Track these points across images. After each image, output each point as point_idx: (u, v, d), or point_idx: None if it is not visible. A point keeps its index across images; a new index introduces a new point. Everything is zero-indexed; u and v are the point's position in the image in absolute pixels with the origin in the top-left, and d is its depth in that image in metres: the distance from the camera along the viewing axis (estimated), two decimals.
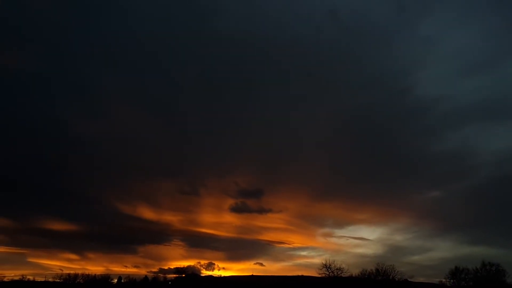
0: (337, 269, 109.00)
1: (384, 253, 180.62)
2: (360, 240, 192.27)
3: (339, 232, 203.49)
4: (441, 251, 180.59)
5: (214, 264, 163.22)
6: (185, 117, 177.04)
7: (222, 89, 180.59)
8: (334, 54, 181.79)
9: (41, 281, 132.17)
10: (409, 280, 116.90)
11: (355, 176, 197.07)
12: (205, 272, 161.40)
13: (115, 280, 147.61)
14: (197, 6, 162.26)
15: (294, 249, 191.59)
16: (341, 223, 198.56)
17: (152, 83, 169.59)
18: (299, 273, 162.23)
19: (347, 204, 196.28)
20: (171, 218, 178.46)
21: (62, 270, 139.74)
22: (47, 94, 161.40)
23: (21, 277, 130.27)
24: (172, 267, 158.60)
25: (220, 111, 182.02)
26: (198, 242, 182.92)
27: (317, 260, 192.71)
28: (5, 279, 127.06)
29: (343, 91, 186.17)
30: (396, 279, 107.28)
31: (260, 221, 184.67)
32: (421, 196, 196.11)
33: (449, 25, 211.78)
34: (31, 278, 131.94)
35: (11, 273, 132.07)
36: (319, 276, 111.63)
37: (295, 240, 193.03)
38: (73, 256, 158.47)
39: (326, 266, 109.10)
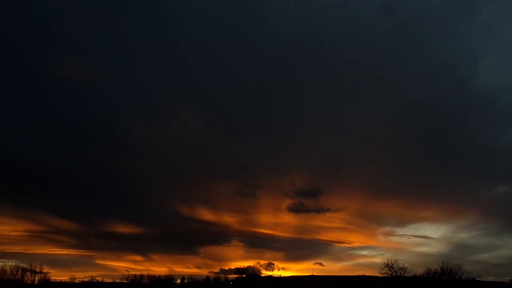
0: (400, 268, 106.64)
1: (449, 251, 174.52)
2: (423, 238, 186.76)
3: (400, 230, 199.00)
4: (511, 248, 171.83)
5: (273, 264, 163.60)
6: (241, 118, 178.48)
7: (277, 89, 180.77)
8: (388, 48, 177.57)
9: (109, 282, 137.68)
10: (477, 279, 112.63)
11: (415, 173, 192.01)
12: (265, 272, 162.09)
13: (178, 281, 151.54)
14: (248, 6, 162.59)
15: (354, 248, 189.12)
16: (402, 221, 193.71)
17: (208, 85, 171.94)
18: (360, 273, 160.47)
19: (408, 202, 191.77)
20: (229, 219, 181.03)
21: (128, 271, 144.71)
22: (107, 101, 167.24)
23: (90, 278, 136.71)
24: (232, 267, 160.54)
25: (276, 111, 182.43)
26: (257, 243, 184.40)
27: (378, 260, 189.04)
28: (76, 281, 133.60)
29: (399, 86, 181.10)
30: (463, 279, 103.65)
31: (318, 220, 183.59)
32: (488, 192, 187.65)
33: None
34: (99, 279, 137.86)
35: (81, 275, 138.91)
36: (382, 276, 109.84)
37: (355, 239, 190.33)
38: (138, 258, 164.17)
39: (389, 266, 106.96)
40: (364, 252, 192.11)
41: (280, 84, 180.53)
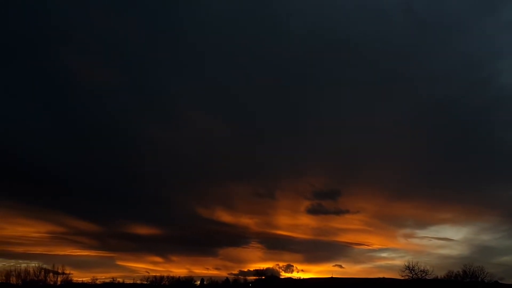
0: (421, 271, 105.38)
1: (470, 253, 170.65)
2: (444, 240, 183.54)
3: (421, 232, 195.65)
4: None
5: (292, 266, 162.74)
6: (259, 119, 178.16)
7: (294, 90, 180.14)
8: (407, 47, 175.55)
9: (130, 283, 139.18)
10: (500, 282, 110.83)
11: (435, 173, 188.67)
12: (284, 274, 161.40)
13: (198, 282, 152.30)
14: (267, 6, 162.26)
15: (374, 250, 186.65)
16: (422, 223, 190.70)
17: (225, 86, 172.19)
18: (380, 275, 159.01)
19: (429, 203, 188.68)
20: (248, 221, 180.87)
21: (148, 273, 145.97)
22: (124, 102, 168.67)
23: (111, 279, 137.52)
24: (251, 269, 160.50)
25: (293, 112, 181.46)
26: (275, 244, 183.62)
27: (399, 262, 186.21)
28: (98, 281, 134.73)
29: (418, 85, 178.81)
30: (486, 281, 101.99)
31: (337, 222, 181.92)
32: (511, 192, 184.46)
33: None
34: (120, 280, 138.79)
35: (102, 276, 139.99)
36: (402, 278, 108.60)
37: (374, 241, 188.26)
38: (157, 259, 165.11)
39: (409, 268, 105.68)
40: (384, 254, 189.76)
41: (297, 85, 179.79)
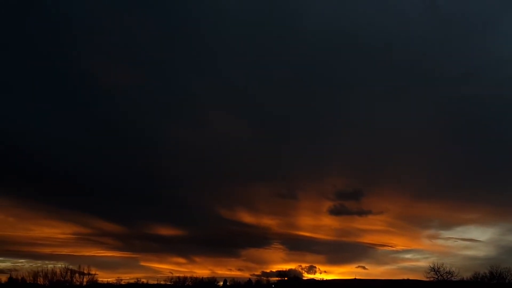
0: (446, 272, 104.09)
1: (497, 255, 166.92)
2: (470, 241, 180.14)
3: (445, 233, 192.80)
4: None
5: (315, 267, 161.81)
6: (280, 120, 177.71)
7: (315, 89, 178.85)
8: (431, 44, 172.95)
9: (154, 284, 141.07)
10: None
11: (460, 173, 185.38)
12: (307, 276, 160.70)
13: (221, 283, 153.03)
14: (284, 5, 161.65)
15: (398, 251, 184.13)
16: (447, 224, 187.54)
17: (244, 86, 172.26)
18: (404, 277, 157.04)
19: (453, 203, 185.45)
20: (270, 221, 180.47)
21: (172, 273, 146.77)
22: (147, 106, 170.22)
23: (136, 280, 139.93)
24: (274, 270, 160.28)
25: (314, 112, 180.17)
26: (297, 245, 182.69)
27: (423, 263, 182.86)
28: (122, 282, 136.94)
29: (442, 83, 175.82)
30: None
31: (360, 223, 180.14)
32: None
33: None
34: (145, 281, 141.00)
35: (126, 276, 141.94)
36: (427, 280, 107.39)
37: (398, 242, 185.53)
38: (181, 260, 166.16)
39: (435, 270, 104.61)
40: (408, 256, 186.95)
41: (319, 85, 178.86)
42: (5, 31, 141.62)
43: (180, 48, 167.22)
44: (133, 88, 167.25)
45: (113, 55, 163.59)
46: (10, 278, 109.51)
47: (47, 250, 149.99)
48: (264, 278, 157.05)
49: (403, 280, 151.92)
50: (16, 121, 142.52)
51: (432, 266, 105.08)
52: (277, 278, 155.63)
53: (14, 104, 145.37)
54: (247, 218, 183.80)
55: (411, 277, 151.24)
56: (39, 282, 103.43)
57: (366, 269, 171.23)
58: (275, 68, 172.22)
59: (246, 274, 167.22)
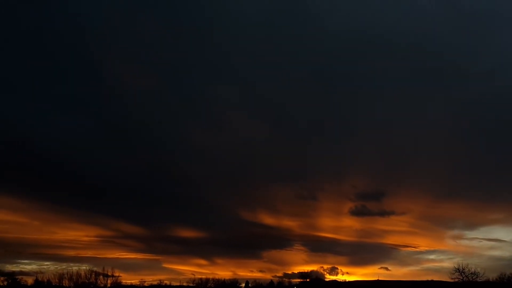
0: (471, 273, 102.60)
1: None
2: (495, 241, 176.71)
3: (470, 233, 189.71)
4: None
5: (337, 268, 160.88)
6: (299, 121, 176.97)
7: (335, 90, 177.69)
8: (452, 41, 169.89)
9: (177, 286, 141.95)
10: None
11: (484, 172, 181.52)
12: (329, 277, 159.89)
13: (243, 285, 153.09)
14: (303, 4, 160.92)
15: (421, 252, 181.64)
16: (472, 224, 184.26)
17: (264, 87, 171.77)
18: (428, 278, 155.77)
19: (478, 203, 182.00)
20: (290, 223, 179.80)
21: (194, 275, 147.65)
22: (167, 108, 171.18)
23: (158, 281, 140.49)
24: (295, 271, 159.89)
25: (334, 112, 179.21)
26: (319, 247, 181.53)
27: (447, 264, 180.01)
28: (146, 284, 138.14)
29: (465, 80, 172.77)
30: None
31: (382, 224, 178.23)
32: None
33: None
34: (167, 282, 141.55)
35: (149, 278, 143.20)
36: (452, 281, 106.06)
37: (421, 243, 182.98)
38: (202, 262, 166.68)
39: (459, 270, 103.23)
40: (432, 256, 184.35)
41: (339, 85, 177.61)
42: (17, 34, 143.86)
43: (195, 49, 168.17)
44: (149, 90, 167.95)
45: (128, 56, 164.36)
46: (36, 280, 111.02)
47: (72, 253, 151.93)
48: (286, 279, 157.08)
49: (427, 281, 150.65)
50: (39, 127, 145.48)
51: (456, 267, 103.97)
52: (299, 280, 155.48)
53: (34, 109, 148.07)
54: (268, 219, 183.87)
55: (435, 278, 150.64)
56: (64, 284, 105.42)
57: (389, 270, 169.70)
58: (294, 68, 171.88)
59: (267, 276, 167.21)
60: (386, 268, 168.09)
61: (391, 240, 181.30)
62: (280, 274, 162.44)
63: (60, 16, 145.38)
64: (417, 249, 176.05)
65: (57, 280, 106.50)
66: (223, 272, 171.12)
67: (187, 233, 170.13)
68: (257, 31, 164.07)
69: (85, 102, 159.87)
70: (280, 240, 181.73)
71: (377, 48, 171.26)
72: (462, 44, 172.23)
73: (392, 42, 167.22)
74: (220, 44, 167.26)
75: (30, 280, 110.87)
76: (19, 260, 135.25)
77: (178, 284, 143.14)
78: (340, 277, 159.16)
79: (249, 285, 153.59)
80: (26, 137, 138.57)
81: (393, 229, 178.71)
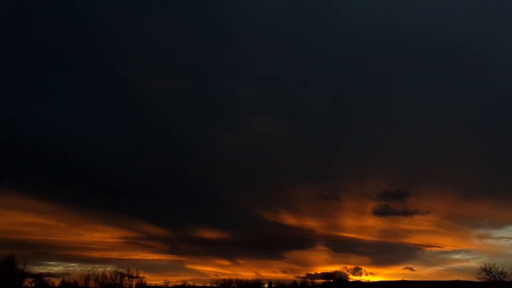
0: (498, 273, 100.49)
1: None
2: None
3: (496, 232, 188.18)
4: None
5: (360, 269, 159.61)
6: (321, 120, 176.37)
7: (358, 89, 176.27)
8: (474, 37, 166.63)
9: (200, 286, 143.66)
10: None
11: (510, 170, 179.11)
12: (352, 278, 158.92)
13: (266, 285, 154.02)
14: (325, 3, 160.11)
15: (446, 252, 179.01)
16: (498, 223, 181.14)
17: (284, 87, 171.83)
18: (454, 278, 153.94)
19: (504, 202, 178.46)
20: (312, 223, 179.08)
21: (217, 276, 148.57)
22: (188, 110, 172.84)
23: (182, 282, 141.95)
24: (318, 272, 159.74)
25: (356, 112, 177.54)
26: (342, 247, 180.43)
27: (473, 264, 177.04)
28: (170, 285, 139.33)
29: (489, 77, 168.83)
30: None
31: (406, 223, 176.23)
32: None
33: None
34: (191, 283, 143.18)
35: (173, 279, 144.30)
36: (479, 281, 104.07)
37: (446, 242, 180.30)
38: (225, 262, 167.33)
39: (486, 270, 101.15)
40: (458, 256, 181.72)
41: (360, 84, 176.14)
42: (39, 38, 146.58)
43: (216, 50, 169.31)
44: (169, 92, 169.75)
45: (152, 59, 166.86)
46: (63, 282, 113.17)
47: (97, 254, 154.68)
48: (309, 280, 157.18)
49: (453, 281, 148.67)
50: (66, 129, 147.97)
51: (483, 267, 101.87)
52: (322, 280, 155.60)
53: (63, 112, 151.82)
54: (290, 220, 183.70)
55: (461, 278, 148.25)
56: (90, 286, 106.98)
57: (414, 270, 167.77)
58: (316, 68, 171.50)
59: (290, 276, 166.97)
60: (411, 269, 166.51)
61: (415, 240, 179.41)
62: (303, 274, 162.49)
63: (81, 19, 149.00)
64: (442, 249, 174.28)
65: (83, 281, 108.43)
66: (246, 272, 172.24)
67: (210, 234, 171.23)
68: (276, 31, 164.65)
69: (107, 105, 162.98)
70: (302, 240, 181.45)
71: (399, 47, 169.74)
72: (486, 40, 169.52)
73: (417, 40, 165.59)
74: (241, 45, 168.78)
75: (57, 282, 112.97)
76: (46, 262, 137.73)
77: (201, 285, 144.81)
78: (364, 278, 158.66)
79: (272, 285, 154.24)
80: (53, 142, 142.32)
81: (417, 229, 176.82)
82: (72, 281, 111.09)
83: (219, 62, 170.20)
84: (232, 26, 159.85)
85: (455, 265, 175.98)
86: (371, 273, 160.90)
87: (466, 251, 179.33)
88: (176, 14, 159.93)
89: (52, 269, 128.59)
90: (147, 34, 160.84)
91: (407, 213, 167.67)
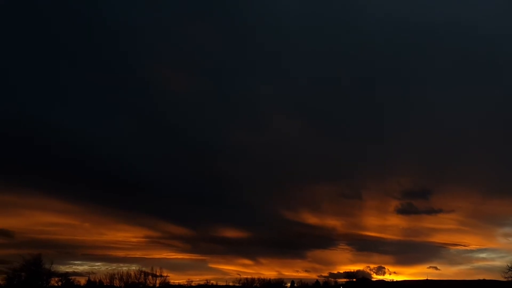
0: None
1: None
2: None
3: None
4: None
5: (384, 268, 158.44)
6: (342, 119, 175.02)
7: (379, 87, 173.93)
8: (501, 31, 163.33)
9: (223, 285, 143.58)
10: None
11: None
12: (375, 277, 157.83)
13: (288, 284, 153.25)
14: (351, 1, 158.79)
15: (471, 251, 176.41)
16: None
17: (305, 86, 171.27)
18: (480, 277, 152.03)
19: None
20: (334, 222, 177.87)
21: (239, 275, 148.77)
22: (210, 110, 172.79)
23: (205, 281, 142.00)
24: (341, 271, 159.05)
25: (377, 110, 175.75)
26: (364, 246, 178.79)
27: (499, 263, 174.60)
28: (193, 284, 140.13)
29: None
30: None
31: (429, 222, 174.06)
32: None
33: None
34: (214, 282, 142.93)
35: (196, 278, 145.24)
36: (505, 280, 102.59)
37: (471, 241, 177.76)
38: (247, 262, 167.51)
39: None
40: (483, 255, 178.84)
41: (382, 81, 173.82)
42: (65, 38, 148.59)
43: (237, 49, 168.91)
44: (190, 91, 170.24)
45: (175, 59, 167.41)
46: (89, 281, 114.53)
47: (121, 253, 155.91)
48: (332, 279, 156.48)
49: (479, 280, 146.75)
50: (87, 130, 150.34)
51: (510, 266, 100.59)
52: (345, 279, 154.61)
53: (86, 112, 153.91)
54: (311, 219, 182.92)
55: (487, 277, 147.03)
56: (115, 284, 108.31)
57: (438, 269, 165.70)
58: (337, 66, 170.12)
59: (313, 276, 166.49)
60: (436, 268, 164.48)
61: (439, 238, 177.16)
62: (325, 274, 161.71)
63: (105, 17, 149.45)
64: (467, 248, 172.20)
65: (108, 280, 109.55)
66: (268, 272, 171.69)
67: (231, 233, 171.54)
68: (297, 30, 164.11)
69: (130, 106, 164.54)
70: (324, 239, 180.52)
71: (422, 44, 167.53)
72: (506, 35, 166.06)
73: (440, 34, 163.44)
74: (262, 44, 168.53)
75: (82, 281, 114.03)
76: (72, 261, 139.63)
77: (224, 284, 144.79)
78: (387, 277, 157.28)
79: (295, 285, 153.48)
80: (76, 142, 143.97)
81: (441, 227, 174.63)
82: (97, 280, 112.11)
83: (241, 61, 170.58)
84: (251, 24, 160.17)
85: (481, 264, 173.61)
86: (394, 272, 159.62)
87: (492, 250, 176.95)
88: (199, 14, 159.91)
89: (78, 268, 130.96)
90: (165, 33, 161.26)
91: (431, 211, 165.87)
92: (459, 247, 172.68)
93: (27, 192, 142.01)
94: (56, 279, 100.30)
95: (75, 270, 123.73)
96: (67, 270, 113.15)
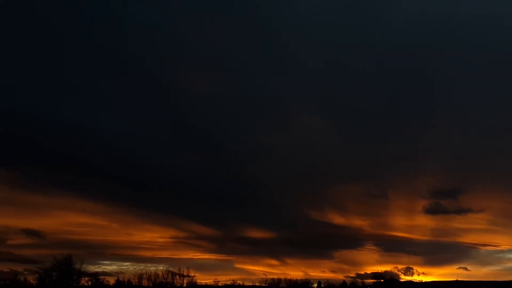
0: None
1: None
2: None
3: None
4: None
5: (412, 268, 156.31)
6: (368, 118, 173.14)
7: (407, 85, 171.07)
8: None
9: (249, 286, 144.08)
10: None
11: None
12: (404, 278, 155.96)
13: (315, 285, 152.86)
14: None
15: (503, 251, 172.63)
16: None
17: (329, 85, 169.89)
18: (511, 278, 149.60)
19: None
20: (361, 222, 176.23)
21: (266, 275, 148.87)
22: (235, 110, 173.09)
23: (232, 281, 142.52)
24: (368, 272, 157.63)
25: (404, 108, 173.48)
26: (392, 246, 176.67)
27: None
28: (220, 284, 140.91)
29: None
30: None
31: (458, 222, 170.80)
32: None
33: None
34: (240, 282, 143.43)
35: (222, 278, 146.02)
36: None
37: (503, 241, 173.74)
38: (273, 262, 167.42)
39: None
40: None
41: (410, 79, 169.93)
42: (85, 38, 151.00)
43: (262, 48, 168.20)
44: (215, 91, 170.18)
45: (197, 60, 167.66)
46: (118, 281, 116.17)
47: (148, 254, 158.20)
48: (359, 280, 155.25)
49: (510, 281, 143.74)
50: (116, 131, 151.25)
51: None
52: (373, 280, 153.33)
53: (114, 113, 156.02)
54: (338, 219, 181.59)
55: None
56: (143, 284, 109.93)
57: (468, 270, 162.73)
58: (363, 64, 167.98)
59: (340, 276, 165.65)
60: (465, 268, 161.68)
61: (469, 239, 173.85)
62: (352, 274, 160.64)
63: (122, 19, 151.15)
64: (498, 248, 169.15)
65: (136, 280, 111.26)
66: (294, 272, 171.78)
67: (257, 233, 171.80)
68: (323, 28, 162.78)
69: (157, 108, 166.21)
70: (351, 239, 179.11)
71: (450, 41, 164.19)
72: None
73: (471, 30, 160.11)
74: (288, 43, 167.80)
75: (111, 280, 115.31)
76: (101, 261, 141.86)
77: (251, 284, 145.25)
78: (416, 278, 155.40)
79: (322, 285, 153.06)
80: (106, 144, 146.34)
81: (471, 227, 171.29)
82: (126, 280, 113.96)
83: (267, 60, 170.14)
84: (275, 22, 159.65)
85: None
86: (423, 273, 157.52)
87: None
88: (223, 13, 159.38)
89: (107, 268, 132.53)
90: (185, 33, 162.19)
91: (460, 211, 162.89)
92: (489, 248, 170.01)
93: (58, 194, 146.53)
94: (86, 278, 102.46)
95: (104, 270, 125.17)
96: (96, 270, 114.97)
